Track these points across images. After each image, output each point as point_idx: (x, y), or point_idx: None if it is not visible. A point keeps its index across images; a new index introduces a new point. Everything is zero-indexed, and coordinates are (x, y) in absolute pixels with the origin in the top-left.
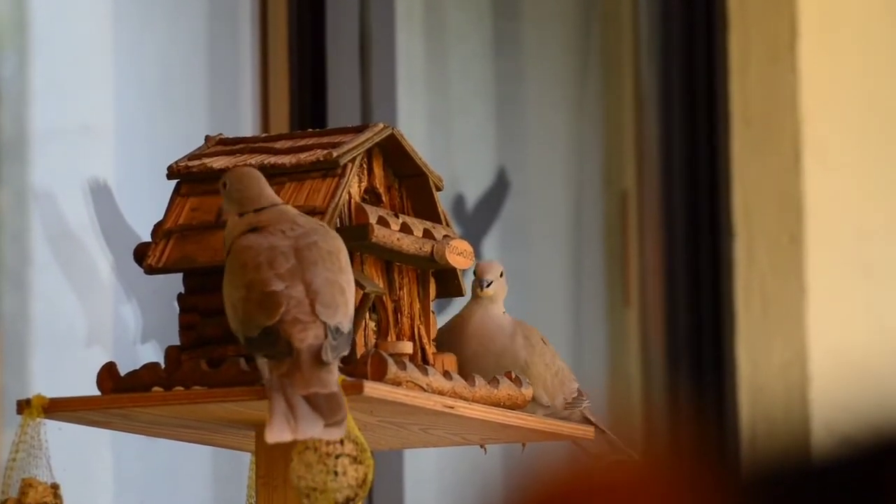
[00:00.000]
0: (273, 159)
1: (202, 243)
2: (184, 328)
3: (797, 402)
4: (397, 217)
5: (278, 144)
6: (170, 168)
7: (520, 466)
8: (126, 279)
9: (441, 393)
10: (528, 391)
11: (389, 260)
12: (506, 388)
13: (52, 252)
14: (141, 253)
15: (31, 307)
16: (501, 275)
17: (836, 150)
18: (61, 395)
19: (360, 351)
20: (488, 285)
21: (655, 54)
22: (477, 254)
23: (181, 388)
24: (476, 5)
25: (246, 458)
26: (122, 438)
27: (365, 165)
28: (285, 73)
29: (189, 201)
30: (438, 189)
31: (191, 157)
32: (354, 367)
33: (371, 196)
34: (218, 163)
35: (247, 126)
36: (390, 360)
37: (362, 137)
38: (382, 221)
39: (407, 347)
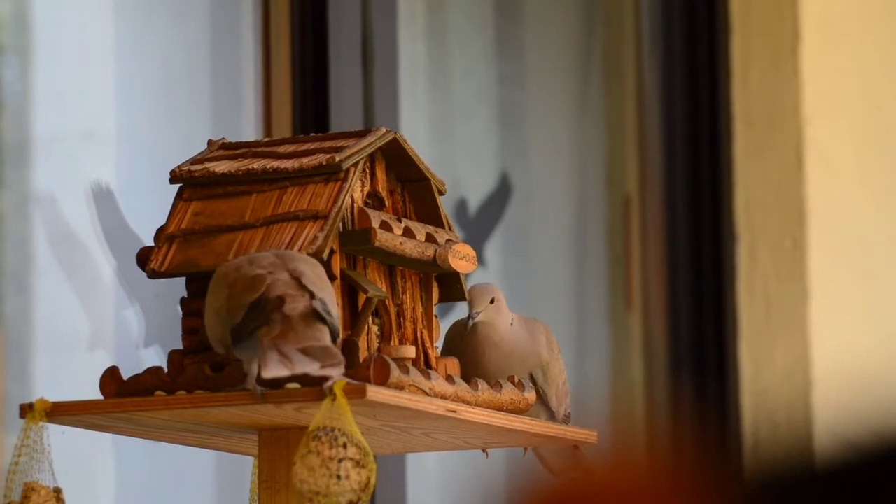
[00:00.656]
0: (276, 163)
1: (205, 247)
2: (186, 332)
3: (800, 405)
4: (400, 221)
5: (281, 149)
6: (172, 172)
7: (522, 471)
8: (129, 283)
9: (444, 397)
10: (530, 395)
11: (392, 264)
12: (508, 393)
13: (55, 256)
14: (144, 257)
15: (33, 311)
16: (493, 301)
17: (838, 153)
18: (64, 399)
19: (363, 355)
20: (476, 316)
21: (658, 58)
22: (479, 258)
23: (184, 393)
24: (478, 9)
25: (249, 462)
26: (124, 442)
27: (367, 170)
28: (288, 78)
29: (192, 205)
30: (441, 193)
31: (193, 161)
32: (357, 371)
33: (374, 200)
34: (220, 167)
35: (249, 130)
36: (393, 365)
37: (365, 142)
38: (385, 226)
39: (410, 352)
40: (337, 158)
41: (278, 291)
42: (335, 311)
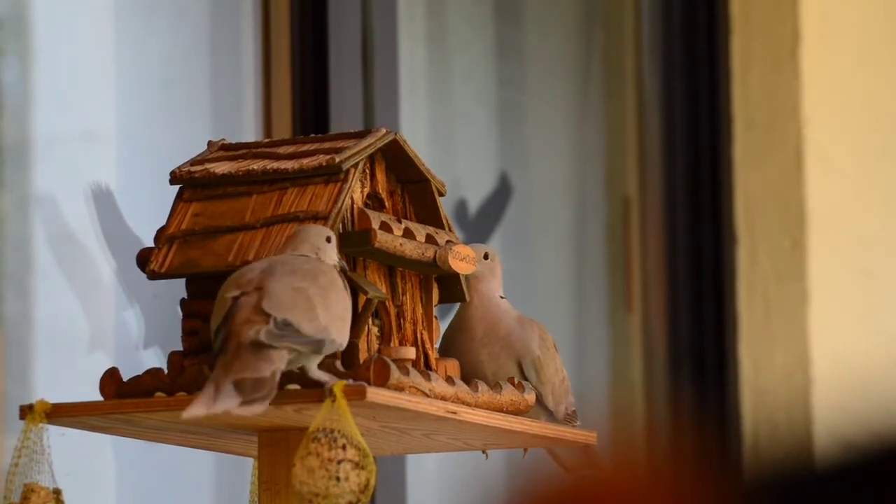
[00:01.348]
0: (275, 165)
1: (205, 248)
2: (186, 333)
3: (799, 406)
4: (400, 222)
5: (281, 150)
6: (172, 173)
7: (522, 472)
8: (129, 284)
9: (444, 398)
10: (530, 397)
11: (392, 265)
12: (508, 394)
13: (55, 257)
14: (144, 258)
15: (33, 312)
16: (486, 257)
17: (838, 154)
18: (64, 400)
19: (363, 356)
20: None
21: (657, 59)
22: (479, 259)
23: (184, 394)
24: (478, 11)
25: (248, 464)
26: (124, 444)
27: (367, 171)
28: (288, 79)
29: (192, 206)
30: (441, 194)
31: (193, 162)
32: (357, 373)
33: (374, 201)
34: (220, 168)
35: (249, 131)
36: (393, 366)
37: (365, 143)
38: (385, 227)
39: (410, 353)
40: (337, 159)
41: (239, 316)
42: (314, 322)
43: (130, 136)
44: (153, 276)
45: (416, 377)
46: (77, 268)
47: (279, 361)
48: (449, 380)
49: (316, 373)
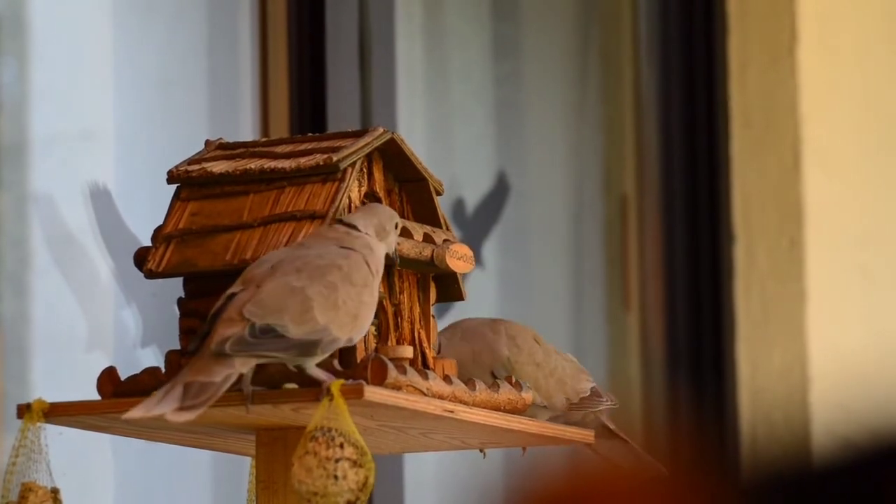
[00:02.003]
0: (273, 164)
1: (202, 247)
2: (184, 333)
3: (797, 405)
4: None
5: (278, 149)
6: (170, 173)
7: (520, 471)
8: (126, 283)
9: (441, 397)
10: (528, 395)
11: (390, 264)
12: (506, 393)
13: (53, 256)
14: (141, 257)
15: (31, 311)
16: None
17: (835, 153)
18: (61, 399)
19: (360, 355)
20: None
21: (655, 58)
22: (477, 258)
23: None
24: (475, 9)
25: (246, 463)
26: (122, 443)
27: (365, 170)
28: (285, 78)
29: (189, 206)
30: (438, 193)
31: (191, 161)
32: (355, 372)
33: (371, 200)
34: (218, 167)
35: (247, 130)
36: (390, 365)
37: (362, 142)
38: None
39: (407, 352)
40: (334, 158)
41: (225, 314)
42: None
43: (128, 135)
44: (151, 275)
45: (413, 376)
46: (75, 267)
47: (241, 366)
48: (446, 378)
49: (314, 371)
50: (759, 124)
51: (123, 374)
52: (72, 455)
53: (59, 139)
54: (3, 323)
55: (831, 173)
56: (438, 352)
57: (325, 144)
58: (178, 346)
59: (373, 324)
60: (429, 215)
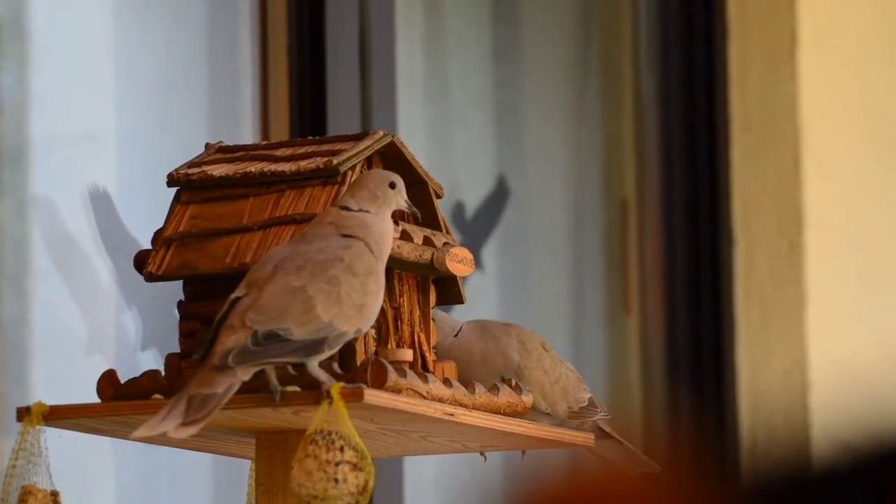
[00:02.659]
0: (273, 167)
1: (202, 251)
2: (184, 336)
3: (797, 409)
4: (397, 224)
5: (278, 152)
6: (170, 176)
7: (519, 474)
8: (126, 287)
9: (441, 400)
10: (527, 399)
11: (389, 267)
12: (506, 396)
13: (53, 259)
14: (141, 260)
15: (31, 314)
16: None
17: (835, 158)
18: (61, 402)
19: (360, 358)
20: None
21: (655, 62)
22: (477, 261)
23: None
24: (475, 13)
25: (246, 466)
26: (121, 446)
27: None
28: (285, 81)
29: (189, 209)
30: (438, 196)
31: (191, 164)
32: (355, 375)
33: None
34: (218, 171)
35: (247, 134)
36: (390, 368)
37: (362, 145)
38: None
39: (407, 355)
40: (334, 162)
41: (228, 322)
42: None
43: (128, 138)
44: (151, 278)
45: (413, 379)
46: (75, 270)
47: (244, 375)
48: (446, 382)
49: (315, 370)
50: (759, 128)
51: (123, 377)
52: (72, 458)
53: (59, 142)
54: (4, 325)
55: (831, 177)
56: (456, 335)
57: (325, 148)
58: (178, 350)
59: (373, 327)
60: (429, 218)
